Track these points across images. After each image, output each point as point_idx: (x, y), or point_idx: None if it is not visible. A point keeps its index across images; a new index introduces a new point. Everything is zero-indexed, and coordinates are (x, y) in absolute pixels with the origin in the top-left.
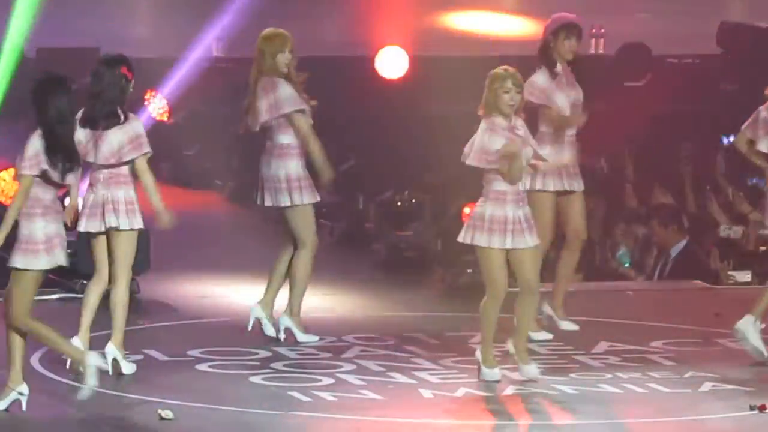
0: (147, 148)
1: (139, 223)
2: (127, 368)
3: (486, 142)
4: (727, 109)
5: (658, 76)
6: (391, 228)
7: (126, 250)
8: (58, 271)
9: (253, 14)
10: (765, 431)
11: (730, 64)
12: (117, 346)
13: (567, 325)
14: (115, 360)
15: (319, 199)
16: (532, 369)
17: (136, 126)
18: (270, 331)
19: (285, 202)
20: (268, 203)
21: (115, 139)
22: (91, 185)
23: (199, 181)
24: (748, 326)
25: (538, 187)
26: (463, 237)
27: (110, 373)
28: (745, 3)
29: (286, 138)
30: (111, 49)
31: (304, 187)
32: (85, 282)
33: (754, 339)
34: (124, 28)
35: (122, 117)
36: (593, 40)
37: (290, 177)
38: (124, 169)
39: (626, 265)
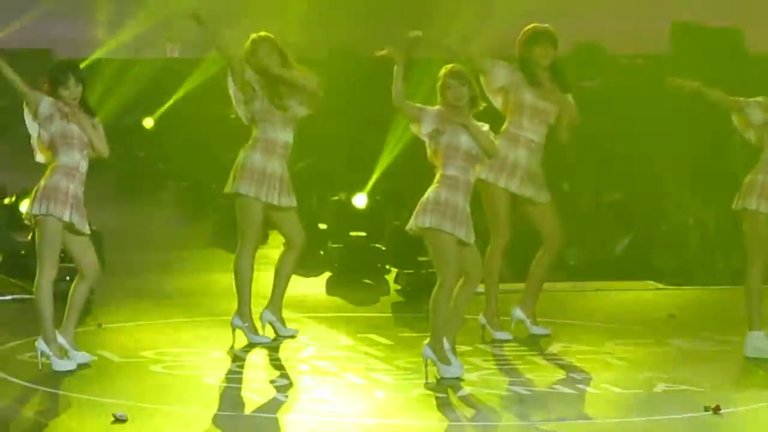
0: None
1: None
2: (59, 365)
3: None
4: None
5: None
6: (345, 229)
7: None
8: (13, 273)
9: None
10: None
11: None
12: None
13: (538, 330)
14: (43, 354)
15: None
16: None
17: None
18: (285, 332)
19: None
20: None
21: None
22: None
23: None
24: None
25: (500, 184)
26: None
27: (39, 367)
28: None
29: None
30: (64, 51)
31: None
32: None
33: None
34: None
35: None
36: None
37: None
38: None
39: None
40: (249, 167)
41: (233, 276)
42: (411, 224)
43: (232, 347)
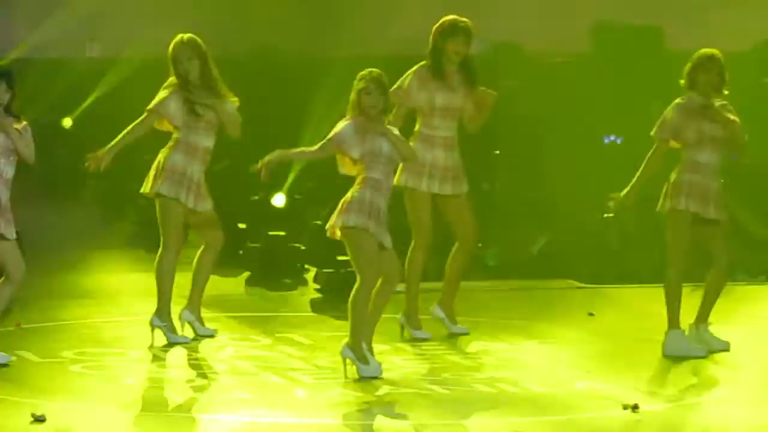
0: None
1: None
2: None
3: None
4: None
5: None
6: (264, 228)
7: None
8: None
9: None
10: (636, 430)
11: None
12: None
13: (458, 329)
14: None
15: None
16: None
17: None
18: (204, 331)
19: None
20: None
21: None
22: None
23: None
24: None
25: (422, 188)
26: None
27: None
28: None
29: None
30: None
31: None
32: None
33: None
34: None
35: None
36: None
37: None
38: None
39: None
40: (170, 168)
41: (155, 276)
42: (333, 222)
43: (151, 347)
